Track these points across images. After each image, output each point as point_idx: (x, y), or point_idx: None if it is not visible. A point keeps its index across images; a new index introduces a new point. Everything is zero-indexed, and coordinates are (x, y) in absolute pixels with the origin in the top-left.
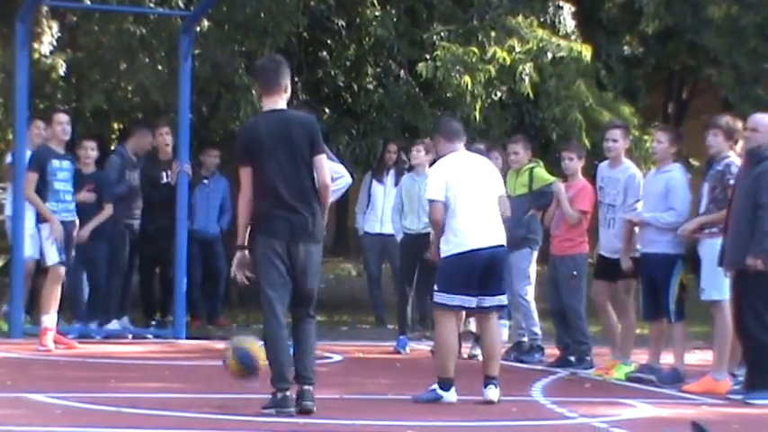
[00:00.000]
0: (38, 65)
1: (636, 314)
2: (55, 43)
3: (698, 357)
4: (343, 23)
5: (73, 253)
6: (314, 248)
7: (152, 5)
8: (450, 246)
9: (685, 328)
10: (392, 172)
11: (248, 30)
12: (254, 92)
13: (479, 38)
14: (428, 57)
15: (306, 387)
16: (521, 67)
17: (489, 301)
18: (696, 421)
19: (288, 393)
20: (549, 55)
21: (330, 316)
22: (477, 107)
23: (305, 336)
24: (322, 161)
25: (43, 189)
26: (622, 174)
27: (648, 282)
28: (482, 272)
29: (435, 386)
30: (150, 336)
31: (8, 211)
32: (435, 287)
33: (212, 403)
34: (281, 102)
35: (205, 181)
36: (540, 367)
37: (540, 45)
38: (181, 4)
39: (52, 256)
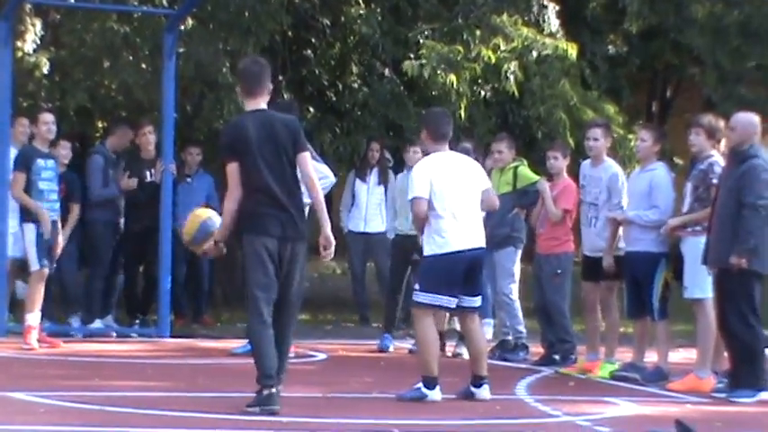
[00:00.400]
0: (21, 63)
1: (620, 312)
2: (38, 41)
3: (681, 356)
4: (328, 22)
5: (59, 250)
6: (302, 247)
7: (136, 4)
8: (433, 246)
9: (669, 327)
10: (375, 170)
11: (232, 28)
12: (237, 90)
13: (464, 36)
14: (413, 55)
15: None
16: (506, 66)
17: (468, 302)
18: (680, 419)
19: (273, 391)
20: (534, 53)
21: (314, 314)
22: (462, 105)
23: (284, 339)
24: (307, 158)
25: (28, 188)
26: (604, 172)
27: (632, 280)
28: (464, 273)
29: (420, 384)
30: (134, 334)
31: None
32: (417, 286)
33: (196, 402)
34: (262, 103)
35: (188, 179)
36: (524, 365)
37: (525, 43)
38: (165, 3)
39: (34, 261)
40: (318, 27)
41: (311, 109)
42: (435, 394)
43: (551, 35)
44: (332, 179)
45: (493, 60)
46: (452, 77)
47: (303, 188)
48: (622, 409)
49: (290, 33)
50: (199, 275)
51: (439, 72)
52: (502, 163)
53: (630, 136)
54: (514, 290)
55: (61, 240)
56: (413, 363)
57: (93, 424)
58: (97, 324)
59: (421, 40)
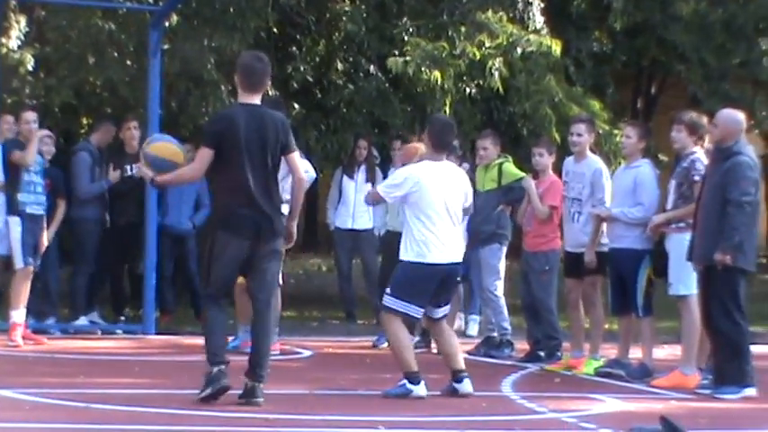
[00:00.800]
0: (6, 59)
1: (604, 309)
2: (23, 38)
3: (666, 352)
4: (313, 18)
5: (46, 244)
6: (276, 244)
7: (121, 0)
8: (412, 254)
9: (653, 323)
10: (363, 167)
11: (217, 25)
12: (222, 87)
13: (449, 33)
14: (398, 52)
15: (258, 384)
16: (490, 62)
17: (436, 313)
18: (665, 416)
19: (222, 368)
20: (519, 50)
21: (300, 311)
22: (447, 102)
23: (261, 331)
24: (295, 159)
25: (16, 182)
26: (587, 168)
27: (616, 277)
28: (437, 285)
29: (404, 381)
30: (119, 331)
31: None
32: (388, 289)
33: (182, 398)
34: (257, 99)
35: None
36: (509, 362)
37: (510, 40)
38: (150, 0)
39: (18, 259)
40: (304, 24)
41: (297, 106)
42: (420, 389)
43: (536, 32)
44: (312, 174)
45: (478, 57)
46: (437, 74)
47: (287, 184)
48: (608, 406)
49: (275, 30)
50: (188, 275)
51: (423, 69)
52: (487, 159)
53: (616, 132)
54: (500, 287)
55: (47, 237)
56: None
57: (79, 421)
58: (82, 321)
59: (406, 37)
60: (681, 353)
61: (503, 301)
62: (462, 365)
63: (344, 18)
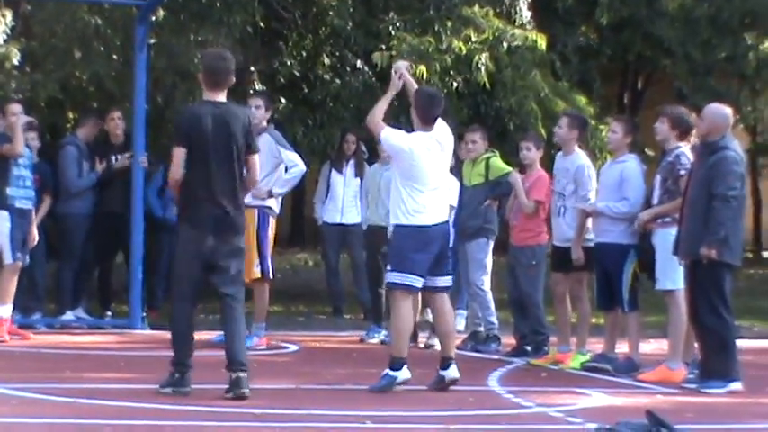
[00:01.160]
0: None
1: (590, 304)
2: (9, 32)
3: (653, 347)
4: (300, 13)
5: (37, 240)
6: (237, 240)
7: None
8: (403, 219)
9: (639, 318)
10: (352, 162)
11: (204, 19)
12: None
13: (435, 28)
14: (384, 47)
15: (240, 374)
16: (477, 57)
17: (441, 281)
18: (651, 410)
19: (186, 375)
20: (505, 45)
21: (287, 306)
22: None
23: (232, 322)
24: (255, 161)
25: (5, 175)
26: (571, 164)
27: (602, 272)
28: (437, 249)
29: (387, 370)
30: (105, 326)
31: None
32: (389, 266)
33: (168, 393)
34: (222, 96)
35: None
36: (496, 357)
37: (496, 35)
38: None
39: (7, 254)
40: (290, 18)
41: (283, 100)
42: (403, 373)
43: (522, 26)
44: (302, 167)
45: (464, 52)
46: (423, 69)
47: (273, 179)
48: (594, 400)
49: (261, 25)
50: None
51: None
52: (475, 153)
53: (602, 127)
54: (486, 281)
55: (35, 231)
56: (386, 355)
57: (65, 416)
58: (68, 316)
59: (392, 32)
60: (667, 347)
61: (490, 296)
62: (452, 353)
63: (331, 13)
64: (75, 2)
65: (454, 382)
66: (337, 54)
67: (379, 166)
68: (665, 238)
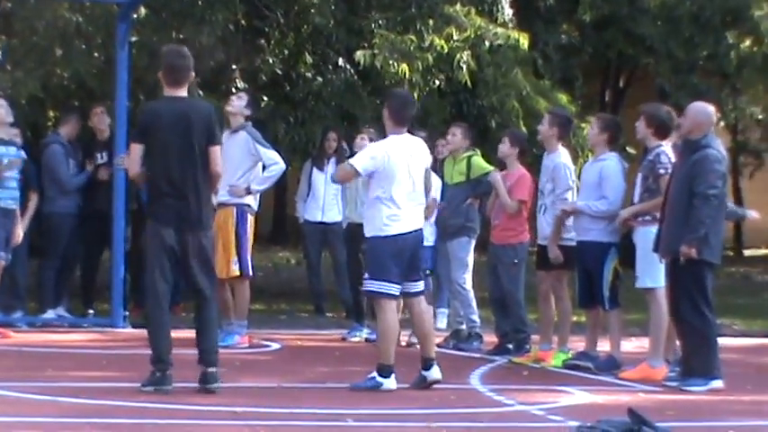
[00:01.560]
0: None
1: (572, 302)
2: None
3: (634, 345)
4: (282, 11)
5: (21, 239)
6: (203, 236)
7: None
8: (377, 229)
9: (621, 316)
10: (333, 160)
11: (185, 17)
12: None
13: (417, 26)
14: (366, 45)
15: (210, 369)
16: (458, 56)
17: (413, 287)
18: (633, 408)
19: (168, 373)
20: (487, 43)
21: (268, 304)
22: (416, 95)
23: (204, 319)
24: (217, 152)
25: None
26: (551, 162)
27: (583, 270)
28: (409, 256)
29: (374, 374)
30: (87, 325)
31: None
32: (366, 274)
33: (149, 392)
34: (183, 92)
35: None
36: (478, 355)
37: (478, 33)
38: None
39: None
40: (272, 16)
41: (265, 98)
42: (390, 383)
43: (504, 24)
44: (281, 165)
45: (446, 50)
46: (405, 67)
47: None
48: (576, 398)
49: (243, 23)
50: None
51: (391, 62)
52: (453, 146)
53: (584, 125)
54: (468, 280)
55: (20, 230)
56: (368, 353)
57: (47, 414)
58: (49, 314)
59: (374, 30)
60: (648, 345)
61: (471, 294)
62: (433, 354)
63: (313, 11)
64: None
65: (436, 382)
66: (319, 52)
67: None
68: (645, 237)
